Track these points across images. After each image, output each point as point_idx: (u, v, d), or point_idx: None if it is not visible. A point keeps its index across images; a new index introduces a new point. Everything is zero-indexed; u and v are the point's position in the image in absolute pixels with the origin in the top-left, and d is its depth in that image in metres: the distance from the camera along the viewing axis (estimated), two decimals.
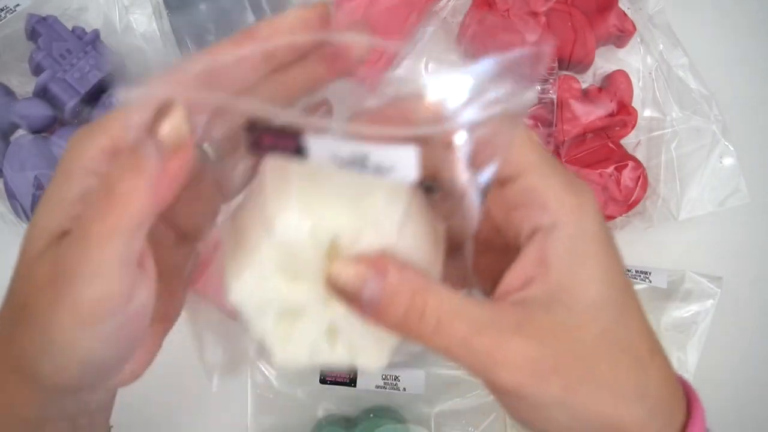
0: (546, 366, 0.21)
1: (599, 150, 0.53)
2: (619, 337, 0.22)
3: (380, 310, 0.22)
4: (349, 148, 0.21)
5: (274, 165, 0.25)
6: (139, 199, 0.20)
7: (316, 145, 0.21)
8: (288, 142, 0.21)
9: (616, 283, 0.22)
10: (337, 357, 0.27)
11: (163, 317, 0.28)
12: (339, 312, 0.26)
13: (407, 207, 0.25)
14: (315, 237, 0.24)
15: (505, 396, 0.22)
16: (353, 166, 0.21)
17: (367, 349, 0.27)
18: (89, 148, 0.22)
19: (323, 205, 0.24)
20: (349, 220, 0.24)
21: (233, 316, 0.49)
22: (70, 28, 0.52)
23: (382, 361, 0.28)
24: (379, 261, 0.22)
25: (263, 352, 0.28)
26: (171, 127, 0.20)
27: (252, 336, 0.26)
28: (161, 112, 0.20)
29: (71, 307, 0.21)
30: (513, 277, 0.23)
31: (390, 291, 0.22)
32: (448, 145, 0.21)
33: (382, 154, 0.21)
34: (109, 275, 0.21)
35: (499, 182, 0.22)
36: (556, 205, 0.22)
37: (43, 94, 0.51)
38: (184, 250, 0.28)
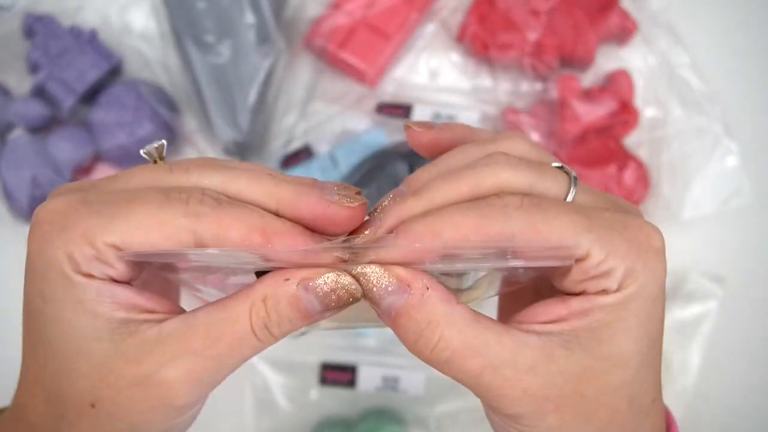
0: (550, 404, 0.22)
1: (601, 150, 0.53)
2: (631, 391, 0.22)
3: (395, 324, 0.22)
4: None
5: None
6: (276, 341, 0.22)
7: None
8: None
9: (649, 338, 0.22)
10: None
11: None
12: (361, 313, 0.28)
13: None
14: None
15: (501, 418, 0.23)
16: None
17: None
18: (74, 250, 0.21)
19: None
20: (364, 315, 0.25)
21: None
22: (68, 27, 0.52)
23: None
24: (406, 276, 0.22)
25: None
26: (341, 298, 0.21)
27: None
28: (339, 284, 0.21)
29: (166, 409, 0.22)
30: (543, 310, 0.22)
31: (406, 312, 0.22)
32: None
33: None
34: (211, 387, 0.22)
35: (562, 270, 0.22)
36: (622, 272, 0.21)
37: (40, 93, 0.51)
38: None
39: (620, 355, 0.22)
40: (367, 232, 0.22)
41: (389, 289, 0.22)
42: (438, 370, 0.22)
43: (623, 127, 0.53)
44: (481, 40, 0.54)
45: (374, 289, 0.22)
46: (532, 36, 0.53)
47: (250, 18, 0.52)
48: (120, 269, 0.21)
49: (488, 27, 0.54)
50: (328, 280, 0.21)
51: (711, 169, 0.54)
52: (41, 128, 0.52)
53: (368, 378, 0.50)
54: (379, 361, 0.51)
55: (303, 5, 0.56)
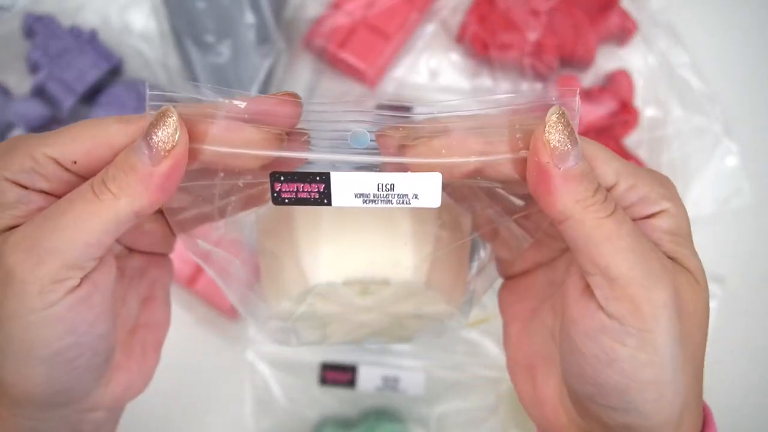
0: (675, 311, 0.22)
1: None
2: (702, 319, 0.24)
3: (575, 178, 0.22)
4: (374, 180, 0.22)
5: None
6: (118, 203, 0.21)
7: (340, 183, 0.22)
8: (312, 186, 0.22)
9: (701, 263, 0.24)
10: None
11: (150, 325, 0.28)
12: (368, 318, 0.28)
13: (434, 236, 0.26)
14: (347, 285, 0.25)
15: (636, 319, 0.22)
16: (378, 200, 0.22)
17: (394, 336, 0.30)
18: (14, 162, 0.22)
19: (353, 255, 0.25)
20: (379, 267, 0.25)
21: (231, 313, 0.48)
22: (68, 27, 0.52)
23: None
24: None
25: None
26: (164, 132, 0.21)
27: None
28: (158, 118, 0.21)
29: (28, 286, 0.21)
30: None
31: (587, 165, 0.22)
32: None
33: (407, 182, 0.22)
34: (49, 255, 0.21)
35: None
36: (656, 195, 0.23)
37: (40, 93, 0.51)
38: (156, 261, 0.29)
39: (693, 275, 0.23)
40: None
41: (576, 144, 0.22)
42: (594, 229, 0.22)
43: (623, 127, 0.53)
44: (481, 40, 0.54)
45: (561, 137, 0.22)
46: (532, 36, 0.53)
47: (250, 18, 0.52)
48: (54, 183, 0.23)
49: (488, 27, 0.54)
50: (165, 128, 0.21)
51: (711, 169, 0.54)
52: (41, 128, 0.51)
53: (368, 378, 0.50)
54: (379, 361, 0.51)
55: (303, 5, 0.56)
